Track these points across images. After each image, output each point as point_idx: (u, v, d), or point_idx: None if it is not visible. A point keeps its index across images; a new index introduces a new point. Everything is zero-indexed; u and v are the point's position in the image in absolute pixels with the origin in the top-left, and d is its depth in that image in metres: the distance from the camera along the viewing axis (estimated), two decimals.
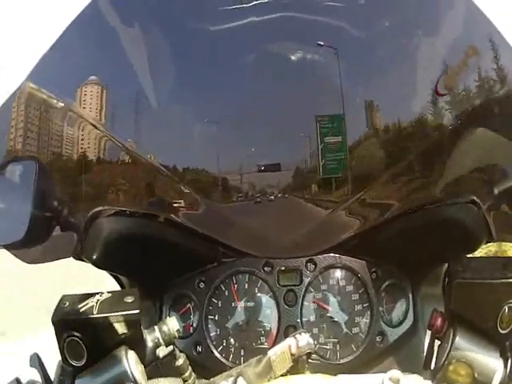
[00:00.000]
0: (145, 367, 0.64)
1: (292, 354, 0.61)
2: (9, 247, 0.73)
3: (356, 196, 0.75)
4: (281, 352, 0.61)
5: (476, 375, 0.61)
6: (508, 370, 0.61)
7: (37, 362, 0.64)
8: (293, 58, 0.72)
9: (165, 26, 0.73)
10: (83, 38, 0.76)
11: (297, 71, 0.73)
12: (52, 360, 0.64)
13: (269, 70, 0.73)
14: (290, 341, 0.62)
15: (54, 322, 0.61)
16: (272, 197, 0.76)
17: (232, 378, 0.58)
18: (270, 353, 0.61)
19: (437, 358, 0.67)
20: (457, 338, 0.63)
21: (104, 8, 0.73)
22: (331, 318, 0.85)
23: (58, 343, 0.61)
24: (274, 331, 0.84)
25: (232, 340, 0.84)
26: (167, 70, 0.73)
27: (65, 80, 0.76)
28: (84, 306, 0.62)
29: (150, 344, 0.66)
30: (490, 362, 0.62)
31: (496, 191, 0.77)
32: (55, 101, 0.74)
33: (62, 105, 0.74)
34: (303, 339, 0.62)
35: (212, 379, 0.60)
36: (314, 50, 0.72)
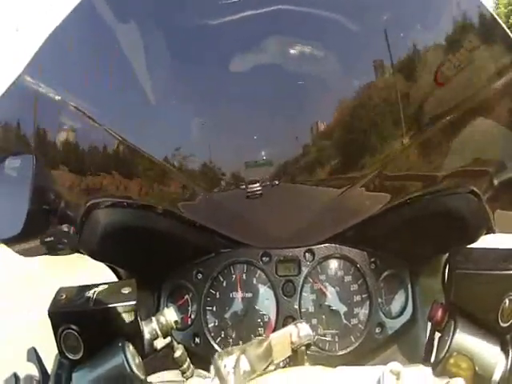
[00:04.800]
0: (142, 359, 0.64)
1: (292, 343, 0.61)
2: (7, 241, 0.72)
3: (354, 185, 0.75)
4: (282, 338, 0.60)
5: (477, 368, 0.61)
6: (509, 363, 0.61)
7: (34, 356, 0.64)
8: (289, 51, 0.71)
9: (160, 21, 0.72)
10: (78, 33, 0.75)
11: (292, 64, 0.72)
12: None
13: (265, 63, 0.72)
14: (291, 328, 0.62)
15: (50, 315, 0.60)
16: (266, 184, 0.75)
17: (235, 355, 0.58)
18: (272, 336, 0.60)
19: (437, 350, 0.67)
20: (457, 331, 0.63)
21: (98, 3, 0.72)
22: (330, 308, 0.84)
23: (55, 336, 0.61)
24: (273, 322, 0.84)
25: (230, 331, 0.84)
26: (163, 65, 0.72)
27: (61, 73, 0.75)
28: (81, 297, 0.62)
29: (147, 336, 0.66)
30: (491, 354, 0.61)
31: (496, 182, 0.76)
32: (52, 94, 0.73)
33: (59, 98, 0.73)
34: (304, 329, 0.61)
35: (217, 353, 0.59)
36: (309, 43, 0.71)
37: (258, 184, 0.75)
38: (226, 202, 0.78)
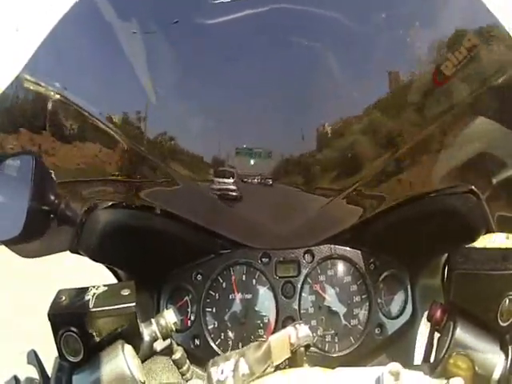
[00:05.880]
0: (142, 361, 0.64)
1: (291, 344, 0.60)
2: (7, 243, 0.72)
3: (353, 186, 0.75)
4: (280, 339, 0.60)
5: (476, 368, 0.61)
6: (509, 363, 0.61)
7: (34, 358, 0.64)
8: (287, 49, 0.71)
9: (160, 20, 0.72)
10: (78, 31, 0.75)
11: (291, 63, 0.72)
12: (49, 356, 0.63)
13: (264, 62, 0.72)
14: (290, 330, 0.61)
15: (50, 317, 0.60)
16: (265, 181, 0.75)
17: (233, 360, 0.58)
18: (271, 338, 0.60)
19: (436, 350, 0.67)
20: (457, 331, 0.63)
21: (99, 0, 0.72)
22: (329, 309, 0.84)
23: (55, 339, 0.60)
24: (272, 323, 0.84)
25: (230, 333, 0.84)
26: (164, 63, 0.72)
27: (60, 71, 0.75)
28: (80, 299, 0.62)
29: (146, 338, 0.66)
30: (491, 354, 0.61)
31: (495, 181, 0.76)
32: (52, 93, 0.73)
33: (58, 97, 0.73)
34: (303, 330, 0.61)
35: (212, 360, 0.59)
36: (308, 42, 0.71)
37: (231, 179, 0.75)
38: (226, 203, 0.78)
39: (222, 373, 0.56)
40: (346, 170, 0.75)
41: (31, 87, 0.74)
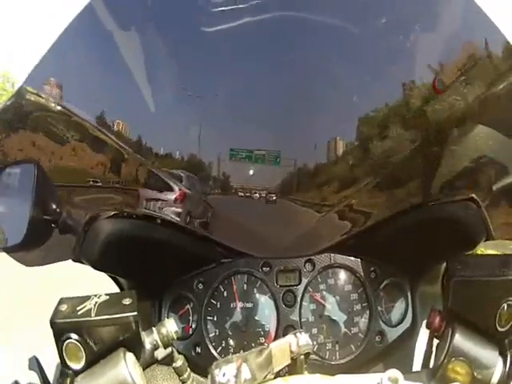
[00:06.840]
0: (143, 369, 0.64)
1: (291, 352, 0.61)
2: (8, 250, 0.73)
3: (352, 197, 0.75)
4: (281, 347, 0.61)
5: (475, 374, 0.61)
6: (507, 368, 0.61)
7: (35, 365, 0.64)
8: (289, 56, 0.72)
9: (161, 29, 0.73)
10: (80, 42, 0.76)
11: (293, 70, 0.73)
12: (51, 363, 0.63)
13: (265, 69, 0.73)
14: (290, 338, 0.62)
15: (52, 325, 0.60)
16: (268, 195, 0.75)
17: (235, 364, 0.58)
18: (272, 345, 0.60)
19: (435, 356, 0.67)
20: (455, 337, 0.63)
21: (100, 11, 0.73)
22: (330, 317, 0.85)
23: (57, 346, 0.61)
24: (273, 331, 0.84)
25: (231, 341, 0.84)
26: (164, 72, 0.73)
27: (62, 84, 0.76)
28: (82, 308, 0.62)
29: (148, 346, 0.66)
30: (489, 359, 0.61)
31: (494, 188, 0.77)
32: (53, 104, 0.74)
33: (60, 108, 0.74)
34: (303, 338, 0.62)
35: (215, 362, 0.60)
36: (309, 48, 0.72)
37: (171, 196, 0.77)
38: (228, 213, 0.79)
39: (223, 375, 0.56)
40: (352, 180, 0.76)
41: (32, 98, 0.75)
